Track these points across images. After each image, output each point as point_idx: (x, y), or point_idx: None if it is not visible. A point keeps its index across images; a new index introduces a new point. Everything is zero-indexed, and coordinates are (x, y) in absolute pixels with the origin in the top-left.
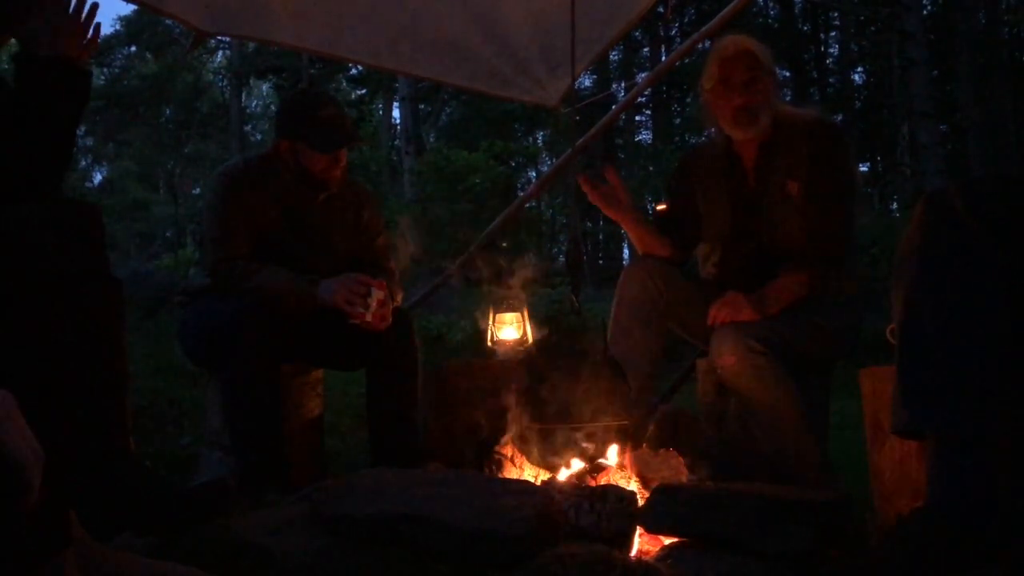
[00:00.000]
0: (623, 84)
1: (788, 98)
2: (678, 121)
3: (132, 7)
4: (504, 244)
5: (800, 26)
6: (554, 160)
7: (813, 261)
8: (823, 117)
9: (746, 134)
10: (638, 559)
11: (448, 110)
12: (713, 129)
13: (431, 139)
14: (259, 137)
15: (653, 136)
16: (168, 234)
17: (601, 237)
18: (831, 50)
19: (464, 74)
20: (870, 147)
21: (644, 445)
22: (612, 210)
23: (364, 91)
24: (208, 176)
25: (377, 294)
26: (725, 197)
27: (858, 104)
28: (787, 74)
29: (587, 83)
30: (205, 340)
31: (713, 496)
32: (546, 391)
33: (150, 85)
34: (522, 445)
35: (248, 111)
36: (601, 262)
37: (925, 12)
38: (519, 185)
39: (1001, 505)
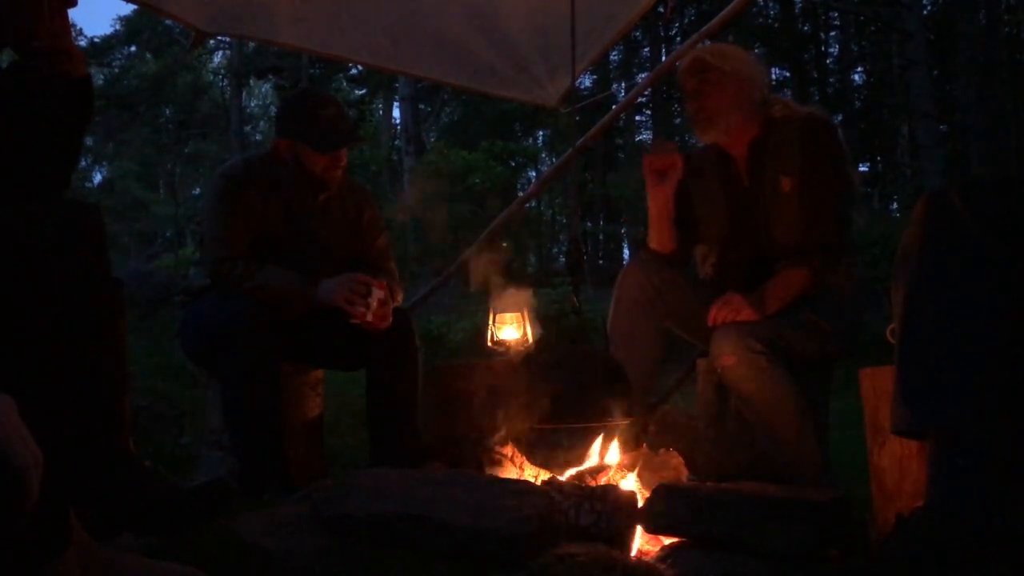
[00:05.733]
0: (623, 84)
1: (788, 98)
2: (678, 121)
3: (132, 7)
4: (504, 244)
5: (800, 26)
6: (554, 160)
7: (812, 254)
8: (815, 112)
9: (706, 137)
10: (638, 559)
11: (448, 110)
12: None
13: (431, 139)
14: (259, 137)
15: (653, 136)
16: (168, 234)
17: (601, 237)
18: (831, 50)
19: (464, 74)
20: (870, 147)
21: (644, 445)
22: (660, 187)
23: (364, 91)
24: (208, 176)
25: (377, 294)
26: (720, 198)
27: (858, 104)
28: (787, 74)
29: (587, 83)
30: (205, 340)
31: (713, 496)
32: (546, 391)
33: (150, 85)
34: (522, 445)
35: (248, 111)
36: (601, 262)
37: (925, 12)
38: (519, 185)
39: (1001, 505)
